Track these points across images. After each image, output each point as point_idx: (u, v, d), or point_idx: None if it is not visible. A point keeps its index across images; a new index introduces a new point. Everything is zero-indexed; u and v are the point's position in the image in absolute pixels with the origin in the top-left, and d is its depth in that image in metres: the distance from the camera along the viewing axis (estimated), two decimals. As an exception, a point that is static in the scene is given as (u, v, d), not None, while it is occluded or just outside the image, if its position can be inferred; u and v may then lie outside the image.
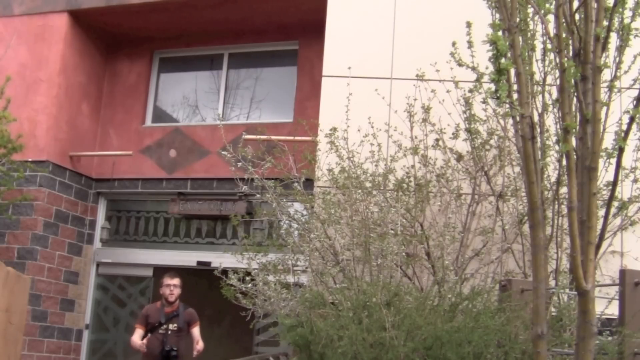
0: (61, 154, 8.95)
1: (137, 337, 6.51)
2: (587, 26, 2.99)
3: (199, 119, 9.70)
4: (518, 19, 2.99)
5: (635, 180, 5.56)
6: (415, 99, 6.02)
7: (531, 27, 4.03)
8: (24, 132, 8.42)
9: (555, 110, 4.83)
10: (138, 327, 6.64)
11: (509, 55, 2.78)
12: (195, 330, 6.61)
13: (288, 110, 9.00)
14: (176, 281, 6.66)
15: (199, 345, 6.48)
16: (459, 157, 5.86)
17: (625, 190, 5.49)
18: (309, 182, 6.26)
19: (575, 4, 3.13)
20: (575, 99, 3.10)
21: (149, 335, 6.50)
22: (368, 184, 5.72)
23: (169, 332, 6.48)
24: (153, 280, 9.03)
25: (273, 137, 6.60)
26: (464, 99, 5.77)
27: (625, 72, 4.31)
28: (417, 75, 6.07)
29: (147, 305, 7.08)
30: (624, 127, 3.86)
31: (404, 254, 5.37)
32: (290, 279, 5.77)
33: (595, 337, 2.92)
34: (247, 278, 5.79)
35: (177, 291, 6.63)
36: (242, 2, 8.65)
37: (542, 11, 3.16)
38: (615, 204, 5.26)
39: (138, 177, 9.30)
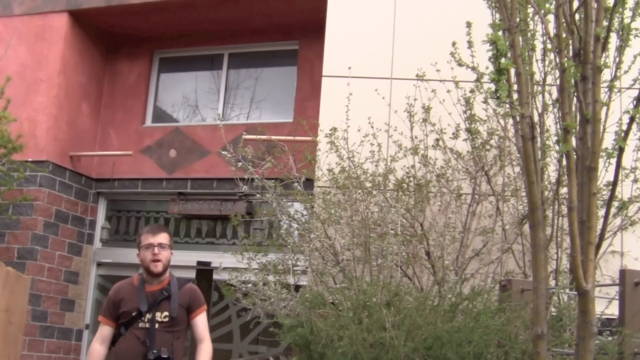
0: (61, 154, 8.95)
1: (100, 343, 3.92)
2: (587, 26, 2.99)
3: (199, 119, 9.71)
4: (518, 19, 2.99)
5: (635, 180, 5.56)
6: (415, 99, 6.01)
7: (531, 27, 4.03)
8: (24, 132, 8.44)
9: (555, 110, 4.82)
10: (103, 321, 3.96)
11: (509, 55, 2.78)
12: (200, 321, 3.97)
13: (288, 110, 9.00)
14: (162, 237, 4.00)
15: (205, 346, 3.93)
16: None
17: (625, 190, 5.48)
18: (309, 182, 6.25)
19: (575, 4, 3.12)
20: (575, 99, 3.10)
21: (123, 332, 3.89)
22: (368, 184, 5.71)
23: (156, 325, 3.84)
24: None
25: (273, 137, 6.59)
26: (464, 99, 5.76)
27: (625, 72, 4.30)
28: (417, 75, 6.07)
29: (117, 284, 4.08)
30: (624, 127, 3.86)
31: (404, 254, 5.37)
32: (290, 279, 5.77)
33: (595, 337, 2.92)
34: (243, 278, 5.79)
35: (165, 255, 3.94)
36: (242, 2, 8.65)
37: (542, 11, 3.16)
38: (615, 204, 5.25)
39: (138, 177, 9.31)
